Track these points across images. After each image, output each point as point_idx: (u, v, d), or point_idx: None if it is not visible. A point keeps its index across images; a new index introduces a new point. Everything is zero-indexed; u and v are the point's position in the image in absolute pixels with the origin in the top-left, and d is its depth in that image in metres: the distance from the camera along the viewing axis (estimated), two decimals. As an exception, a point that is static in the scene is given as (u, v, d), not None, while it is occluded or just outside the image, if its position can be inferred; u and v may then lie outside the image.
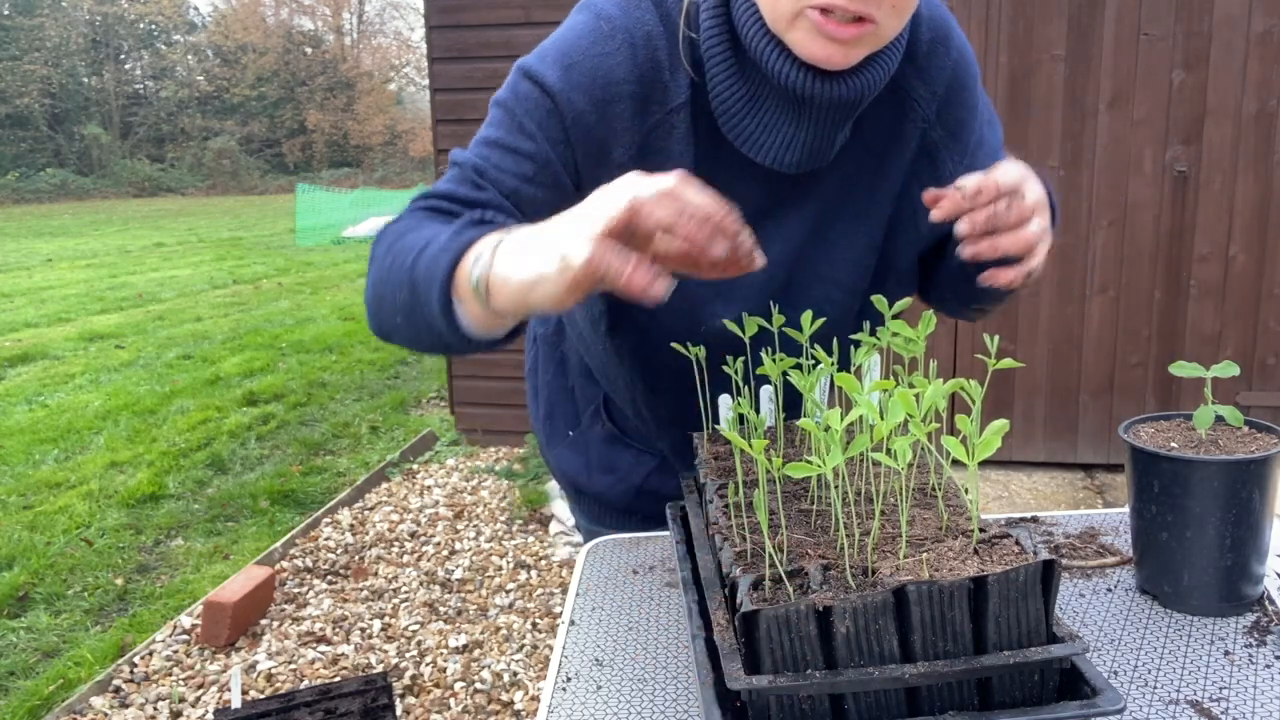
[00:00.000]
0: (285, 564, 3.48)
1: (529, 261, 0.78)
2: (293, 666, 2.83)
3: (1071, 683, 0.71)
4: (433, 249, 0.87)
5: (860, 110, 1.04)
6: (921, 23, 1.07)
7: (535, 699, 2.67)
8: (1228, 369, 0.93)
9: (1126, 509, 1.02)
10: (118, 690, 2.72)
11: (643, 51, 1.01)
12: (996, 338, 0.90)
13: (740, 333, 1.05)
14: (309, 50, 35.65)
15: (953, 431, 0.74)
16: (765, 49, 0.97)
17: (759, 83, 1.01)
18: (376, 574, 3.43)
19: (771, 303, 1.11)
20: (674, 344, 1.07)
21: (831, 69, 0.96)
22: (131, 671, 2.81)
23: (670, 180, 0.76)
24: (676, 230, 0.76)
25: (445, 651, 2.90)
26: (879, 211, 1.13)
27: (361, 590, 3.30)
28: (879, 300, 1.00)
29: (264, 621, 3.08)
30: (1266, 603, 0.94)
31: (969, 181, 0.89)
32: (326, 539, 3.71)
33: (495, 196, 0.99)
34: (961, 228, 0.90)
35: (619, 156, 1.03)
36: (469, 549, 3.62)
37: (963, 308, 1.20)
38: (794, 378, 0.91)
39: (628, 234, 0.76)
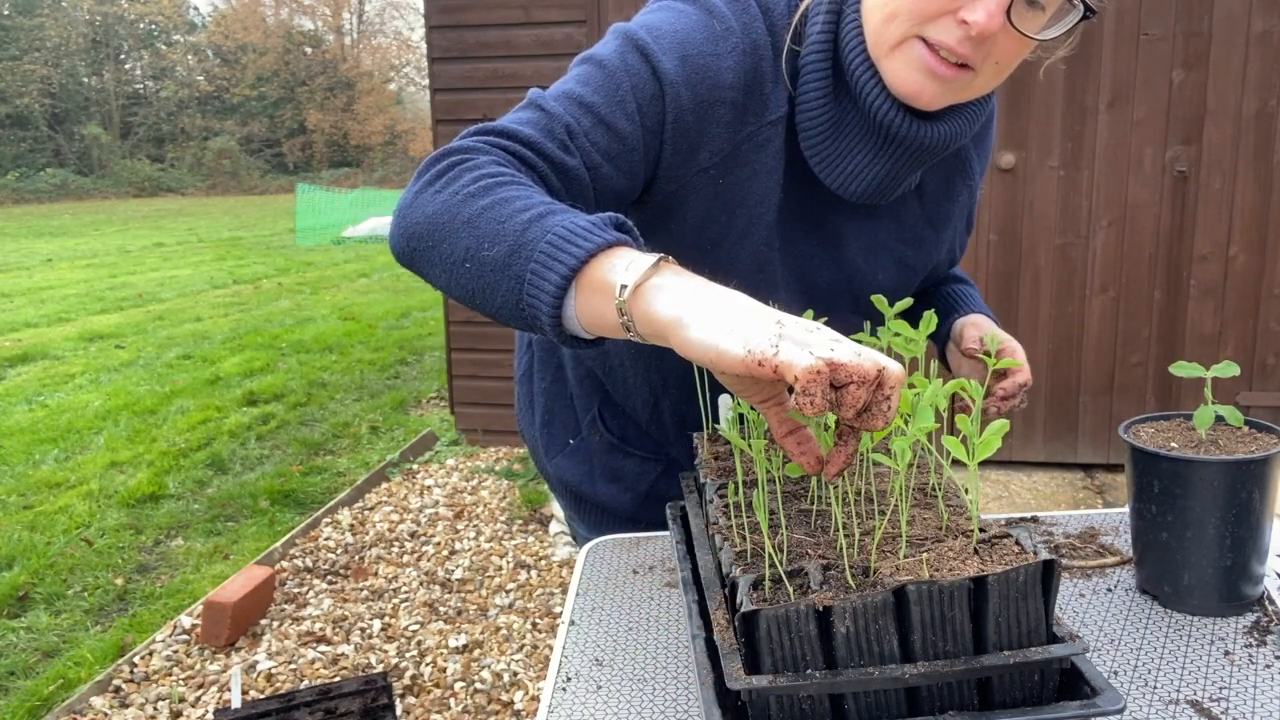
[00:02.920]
0: (285, 564, 3.48)
1: (706, 313, 0.69)
2: (293, 666, 2.83)
3: (1071, 683, 0.71)
4: (562, 224, 0.77)
5: (937, 159, 1.06)
6: (992, 96, 1.08)
7: (535, 699, 2.66)
8: (1228, 369, 0.93)
9: (1126, 509, 1.02)
10: (118, 690, 2.72)
11: (749, 59, 1.00)
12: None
13: None
14: (309, 50, 35.66)
15: (953, 431, 0.74)
16: (863, 76, 0.97)
17: (847, 107, 1.00)
18: (376, 574, 3.43)
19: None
20: None
21: (918, 107, 0.96)
22: (131, 671, 2.81)
23: (897, 367, 0.66)
24: (843, 414, 0.66)
25: (445, 651, 2.90)
26: (920, 259, 1.17)
27: (361, 590, 3.30)
28: (879, 300, 1.00)
29: (264, 621, 3.08)
30: (1266, 603, 0.94)
31: (1015, 380, 1.13)
32: (326, 539, 3.71)
33: (579, 166, 0.93)
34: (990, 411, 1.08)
35: (704, 160, 1.01)
36: (469, 549, 3.62)
37: None
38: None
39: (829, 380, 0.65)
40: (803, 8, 1.02)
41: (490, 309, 0.83)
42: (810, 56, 1.00)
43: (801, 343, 0.65)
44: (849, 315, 1.15)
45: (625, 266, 0.74)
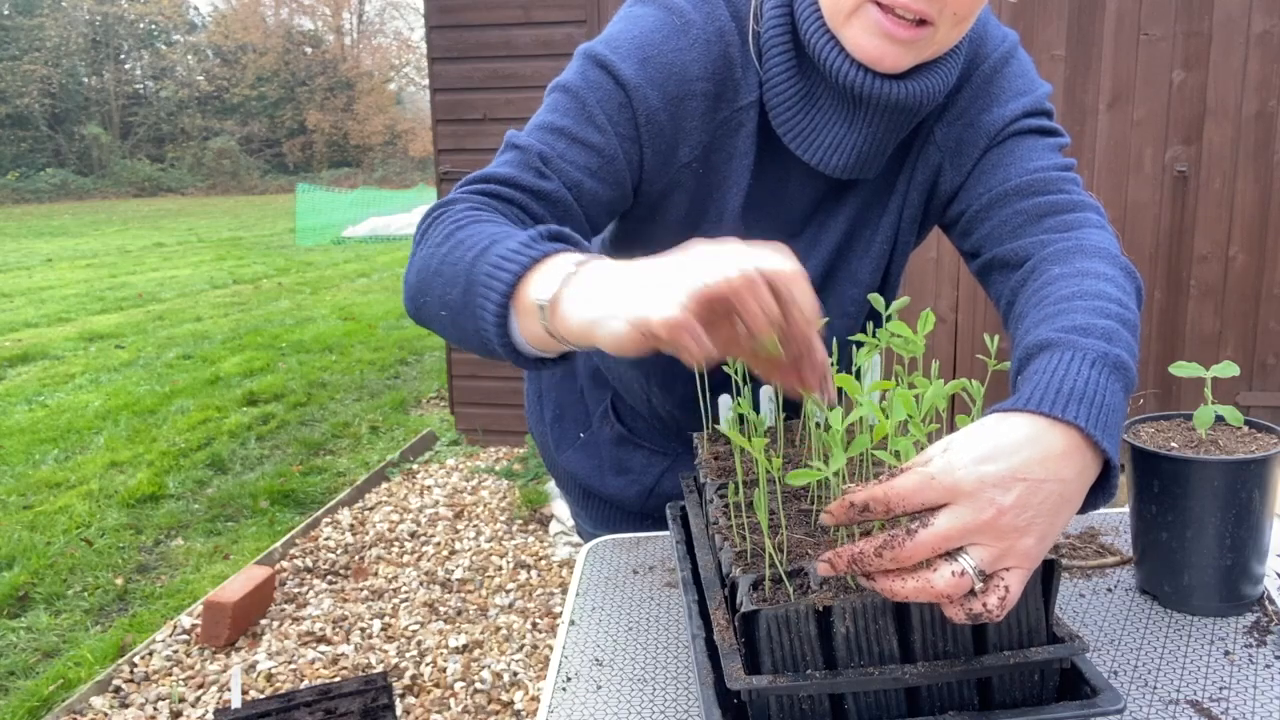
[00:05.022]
0: (285, 564, 3.48)
1: (604, 304, 0.70)
2: (293, 666, 2.83)
3: (1071, 683, 0.71)
4: (498, 252, 0.78)
5: (915, 121, 1.04)
6: (961, 48, 1.03)
7: (535, 699, 2.66)
8: (1228, 369, 0.93)
9: (1126, 509, 1.02)
10: (118, 690, 2.72)
11: (716, 48, 1.00)
12: (996, 338, 0.90)
13: None
14: (309, 50, 35.64)
15: (953, 431, 0.74)
16: (823, 45, 0.97)
17: (815, 80, 1.00)
18: (376, 574, 3.43)
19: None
20: None
21: (881, 70, 0.95)
22: (131, 671, 2.81)
23: (783, 265, 0.65)
24: (758, 330, 0.66)
25: (445, 651, 2.90)
26: (892, 219, 1.14)
27: (361, 590, 3.30)
28: (877, 299, 1.00)
29: (264, 621, 3.08)
30: (1266, 603, 0.94)
31: (859, 494, 0.66)
32: (326, 539, 3.71)
33: (559, 188, 0.96)
34: (820, 568, 0.68)
35: (684, 156, 1.02)
36: (469, 549, 3.62)
37: None
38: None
39: (714, 309, 0.66)
40: None
41: (473, 350, 0.85)
42: (770, 32, 1.00)
43: (670, 290, 0.64)
44: (847, 286, 1.14)
45: (542, 283, 0.74)
